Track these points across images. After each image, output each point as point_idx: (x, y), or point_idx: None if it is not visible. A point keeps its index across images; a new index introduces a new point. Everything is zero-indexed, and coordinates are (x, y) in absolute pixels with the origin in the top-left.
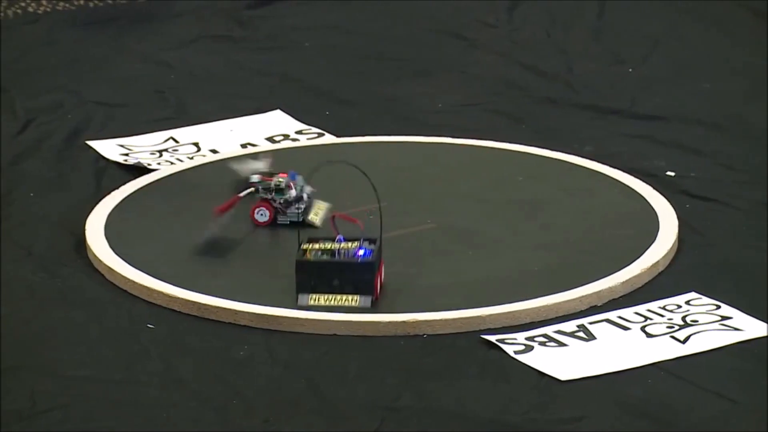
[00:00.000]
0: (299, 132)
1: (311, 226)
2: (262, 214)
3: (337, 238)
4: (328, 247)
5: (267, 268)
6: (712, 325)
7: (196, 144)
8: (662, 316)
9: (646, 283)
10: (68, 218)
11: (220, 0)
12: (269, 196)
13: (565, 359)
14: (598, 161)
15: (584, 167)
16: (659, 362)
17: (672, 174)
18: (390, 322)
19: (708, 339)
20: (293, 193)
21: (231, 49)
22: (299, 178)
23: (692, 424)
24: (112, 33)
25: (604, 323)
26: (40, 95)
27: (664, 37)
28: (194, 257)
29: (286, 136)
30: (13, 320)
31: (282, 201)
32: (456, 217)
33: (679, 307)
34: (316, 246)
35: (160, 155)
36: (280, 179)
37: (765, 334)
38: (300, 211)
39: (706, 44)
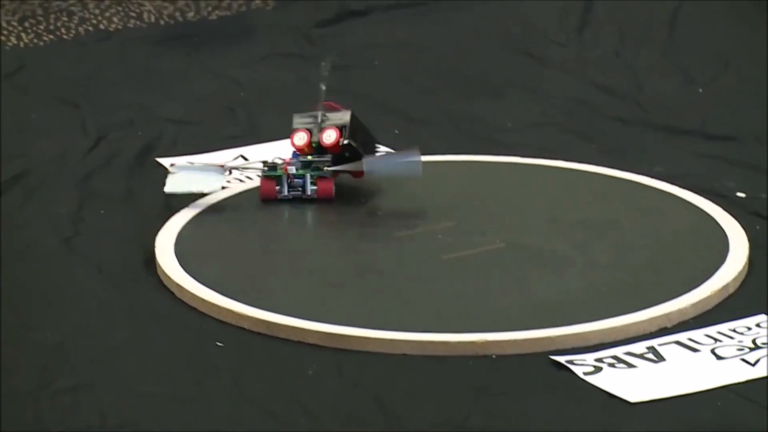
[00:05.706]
0: None
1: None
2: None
3: None
4: None
5: (337, 284)
6: None
7: (265, 162)
8: (732, 338)
9: (716, 305)
10: (138, 235)
11: (290, 18)
12: None
13: (634, 381)
14: (669, 182)
15: (654, 188)
16: (729, 385)
17: (743, 195)
18: (459, 342)
19: None
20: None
21: (301, 66)
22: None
23: None
24: (183, 50)
25: (674, 345)
26: (112, 112)
27: (735, 56)
28: (263, 274)
29: None
30: (84, 336)
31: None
32: (525, 237)
33: (750, 329)
34: None
35: (230, 173)
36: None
37: None
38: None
39: None
